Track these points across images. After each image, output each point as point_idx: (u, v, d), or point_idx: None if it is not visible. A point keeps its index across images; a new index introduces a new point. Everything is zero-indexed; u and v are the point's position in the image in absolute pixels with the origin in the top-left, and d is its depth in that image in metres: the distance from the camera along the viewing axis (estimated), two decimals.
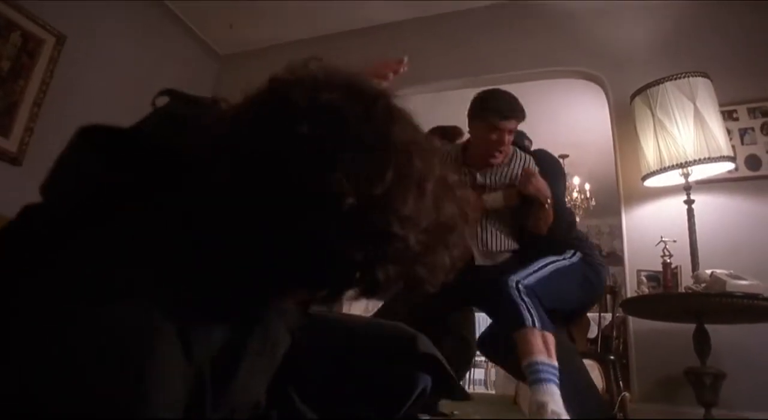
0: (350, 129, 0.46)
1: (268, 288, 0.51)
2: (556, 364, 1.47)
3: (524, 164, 1.91)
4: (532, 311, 1.54)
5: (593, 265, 1.81)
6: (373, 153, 0.45)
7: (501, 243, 1.86)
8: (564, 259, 1.75)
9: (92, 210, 0.45)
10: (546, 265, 1.71)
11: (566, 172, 5.22)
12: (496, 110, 1.81)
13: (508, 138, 1.83)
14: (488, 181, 1.89)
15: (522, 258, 1.81)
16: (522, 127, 1.94)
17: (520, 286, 1.61)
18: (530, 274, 1.67)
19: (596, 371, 3.36)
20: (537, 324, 1.52)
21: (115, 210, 0.45)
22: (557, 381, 1.44)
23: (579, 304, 1.86)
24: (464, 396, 0.97)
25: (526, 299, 1.57)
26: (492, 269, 1.84)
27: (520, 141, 2.42)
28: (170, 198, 0.46)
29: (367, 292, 0.52)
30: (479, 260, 1.86)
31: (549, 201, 1.75)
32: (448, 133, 2.39)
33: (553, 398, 1.39)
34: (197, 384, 0.42)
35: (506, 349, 1.61)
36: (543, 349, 1.49)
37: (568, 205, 5.12)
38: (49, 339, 0.38)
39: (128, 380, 0.38)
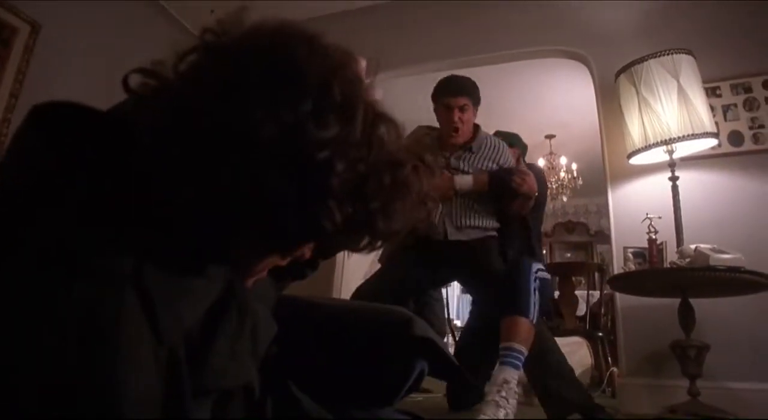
0: (266, 69, 0.46)
1: (223, 249, 0.50)
2: (526, 354, 1.70)
3: (495, 152, 2.09)
4: (535, 307, 1.76)
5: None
6: (287, 86, 0.46)
7: (472, 219, 2.02)
8: (544, 271, 1.95)
9: (48, 187, 0.44)
10: (541, 270, 1.90)
11: (553, 152, 5.28)
12: (446, 90, 2.06)
13: (460, 115, 2.02)
14: (462, 165, 2.05)
15: (502, 240, 2.03)
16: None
17: (537, 277, 1.82)
18: (540, 269, 1.88)
19: (585, 348, 3.42)
20: (534, 320, 1.75)
21: (71, 185, 0.44)
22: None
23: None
24: (463, 379, 0.96)
25: (536, 294, 1.78)
26: (480, 248, 1.99)
27: (515, 146, 2.52)
28: (127, 168, 0.46)
29: (324, 240, 0.52)
30: (452, 235, 2.01)
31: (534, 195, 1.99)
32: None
33: (515, 381, 1.65)
34: (171, 367, 0.42)
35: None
36: (527, 340, 1.71)
37: (556, 184, 5.20)
38: (9, 332, 0.37)
39: (99, 374, 0.37)
